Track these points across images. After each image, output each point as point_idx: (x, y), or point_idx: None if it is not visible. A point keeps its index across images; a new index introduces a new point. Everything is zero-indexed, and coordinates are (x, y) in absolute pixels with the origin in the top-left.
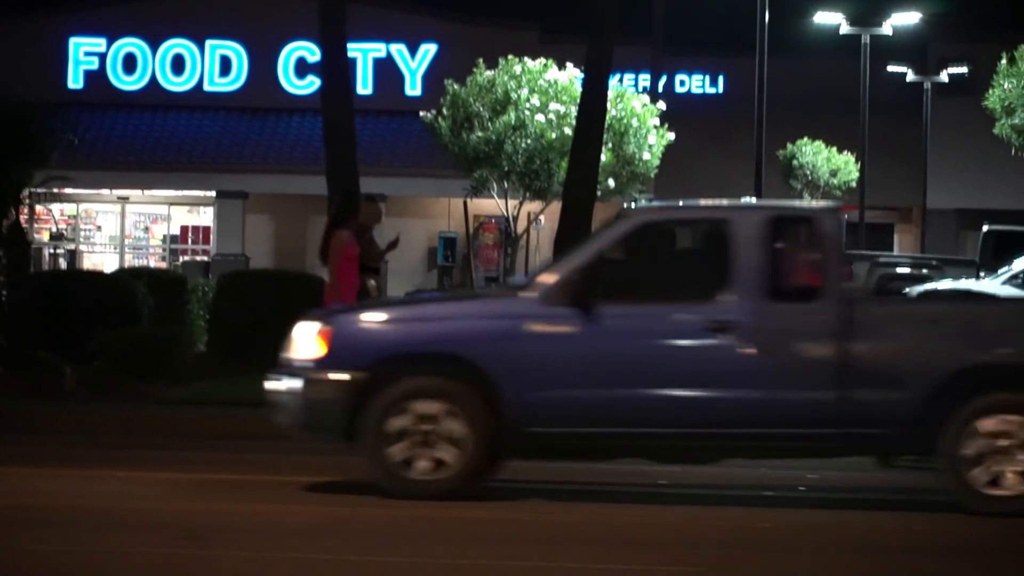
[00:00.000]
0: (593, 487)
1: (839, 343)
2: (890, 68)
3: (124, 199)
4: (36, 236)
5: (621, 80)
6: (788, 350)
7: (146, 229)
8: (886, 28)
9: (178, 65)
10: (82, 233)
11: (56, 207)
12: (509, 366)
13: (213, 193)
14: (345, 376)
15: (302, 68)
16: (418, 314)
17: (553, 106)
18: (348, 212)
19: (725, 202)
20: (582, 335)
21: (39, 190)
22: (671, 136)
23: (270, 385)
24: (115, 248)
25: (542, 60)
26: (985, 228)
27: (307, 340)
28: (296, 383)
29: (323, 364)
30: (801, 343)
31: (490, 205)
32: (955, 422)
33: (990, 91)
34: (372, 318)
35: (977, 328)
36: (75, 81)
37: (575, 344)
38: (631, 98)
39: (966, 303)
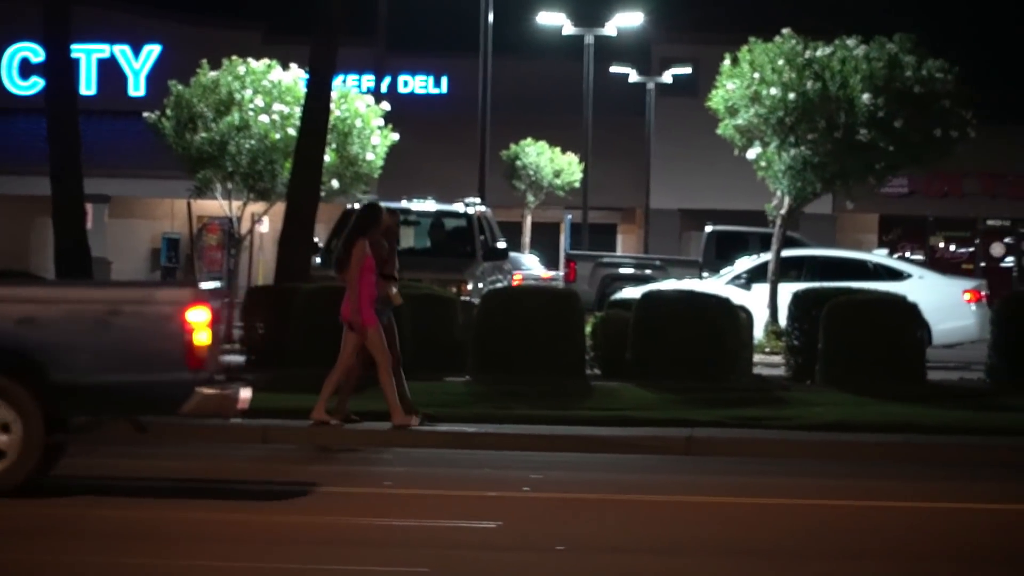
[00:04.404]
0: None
1: None
2: (614, 69)
3: None
4: None
5: (345, 81)
6: None
7: None
8: (609, 29)
9: None
10: None
11: None
12: None
13: None
14: None
15: (26, 69)
16: None
17: (277, 107)
18: (371, 222)
19: None
20: None
21: None
22: (395, 137)
23: None
24: None
25: (266, 61)
26: (708, 228)
27: None
28: None
29: None
30: None
31: (214, 206)
32: None
33: (713, 92)
34: None
35: None
36: None
37: None
38: (355, 99)
39: None
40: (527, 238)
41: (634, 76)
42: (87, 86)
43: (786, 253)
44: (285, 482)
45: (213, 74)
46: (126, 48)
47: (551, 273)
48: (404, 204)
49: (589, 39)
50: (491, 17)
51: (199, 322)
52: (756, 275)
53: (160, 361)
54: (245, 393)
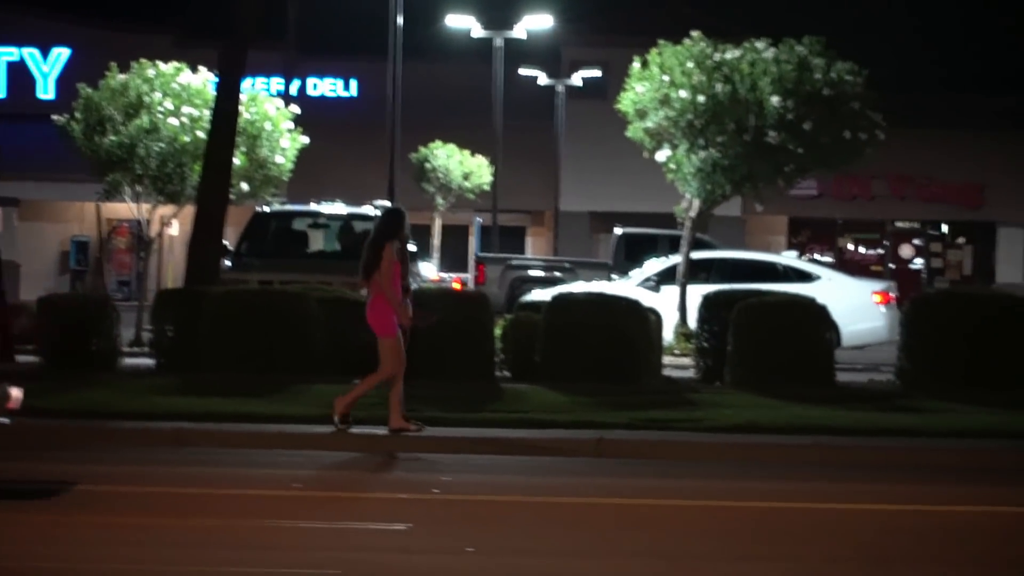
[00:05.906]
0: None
1: None
2: (523, 72)
3: None
4: None
5: (254, 83)
6: None
7: None
8: (519, 32)
9: None
10: None
11: None
12: None
13: None
14: None
15: None
16: None
17: (186, 109)
18: (398, 226)
19: None
20: None
21: None
22: (305, 139)
23: None
24: None
25: (175, 64)
26: (617, 231)
27: None
28: None
29: None
30: None
31: (123, 209)
32: None
33: (623, 94)
34: None
35: None
36: None
37: None
38: (264, 101)
39: None
40: (437, 240)
41: (544, 79)
42: None
43: (695, 255)
44: (195, 484)
45: (122, 77)
46: (35, 51)
47: (440, 275)
48: (313, 207)
49: (499, 42)
50: (401, 20)
51: None
52: (665, 277)
53: None
54: (16, 392)
